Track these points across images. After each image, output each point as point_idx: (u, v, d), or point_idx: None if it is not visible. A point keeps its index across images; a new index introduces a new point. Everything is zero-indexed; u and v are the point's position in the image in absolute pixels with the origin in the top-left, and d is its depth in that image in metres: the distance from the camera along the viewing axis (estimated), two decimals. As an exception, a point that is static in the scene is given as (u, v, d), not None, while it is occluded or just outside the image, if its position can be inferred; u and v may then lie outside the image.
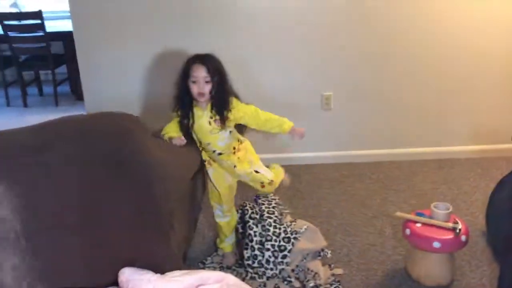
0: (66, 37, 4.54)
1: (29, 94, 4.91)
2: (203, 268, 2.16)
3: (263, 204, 2.23)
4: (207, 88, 1.92)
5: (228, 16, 2.93)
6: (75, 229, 1.57)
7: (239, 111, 1.99)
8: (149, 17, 2.91)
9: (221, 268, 2.18)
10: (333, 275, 2.12)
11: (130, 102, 2.95)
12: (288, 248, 2.07)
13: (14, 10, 5.21)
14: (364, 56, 3.06)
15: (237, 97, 2.02)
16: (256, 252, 2.09)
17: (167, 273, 1.67)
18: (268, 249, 2.08)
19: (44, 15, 4.36)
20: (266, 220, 2.13)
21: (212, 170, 2.11)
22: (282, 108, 2.22)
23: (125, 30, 2.93)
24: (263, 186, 2.13)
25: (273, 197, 2.33)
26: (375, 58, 3.07)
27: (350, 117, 3.19)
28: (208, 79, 1.91)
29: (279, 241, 2.08)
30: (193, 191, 2.19)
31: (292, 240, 2.09)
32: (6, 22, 4.34)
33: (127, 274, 1.66)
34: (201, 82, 1.91)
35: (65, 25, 4.51)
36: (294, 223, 2.18)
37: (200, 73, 1.90)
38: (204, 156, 2.10)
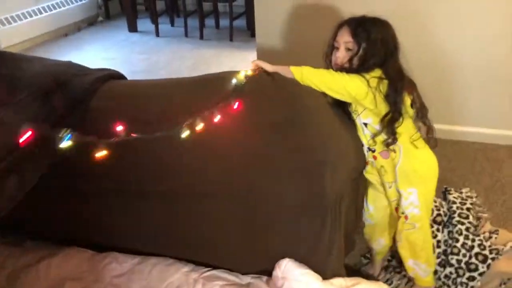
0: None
1: (206, 26, 4.91)
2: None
3: (455, 202, 1.78)
4: (344, 55, 1.47)
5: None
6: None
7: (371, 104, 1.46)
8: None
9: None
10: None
11: (303, 46, 2.60)
12: (481, 269, 1.62)
13: None
14: None
15: (399, 81, 1.44)
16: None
17: (330, 280, 1.40)
18: (451, 265, 1.65)
19: None
20: (455, 226, 1.69)
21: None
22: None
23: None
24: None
25: (468, 193, 1.87)
26: None
27: None
28: (351, 45, 1.45)
29: (469, 257, 1.64)
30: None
31: (489, 260, 1.62)
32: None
33: (284, 269, 1.42)
34: (341, 49, 1.48)
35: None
36: (495, 235, 1.70)
37: (342, 37, 1.47)
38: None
